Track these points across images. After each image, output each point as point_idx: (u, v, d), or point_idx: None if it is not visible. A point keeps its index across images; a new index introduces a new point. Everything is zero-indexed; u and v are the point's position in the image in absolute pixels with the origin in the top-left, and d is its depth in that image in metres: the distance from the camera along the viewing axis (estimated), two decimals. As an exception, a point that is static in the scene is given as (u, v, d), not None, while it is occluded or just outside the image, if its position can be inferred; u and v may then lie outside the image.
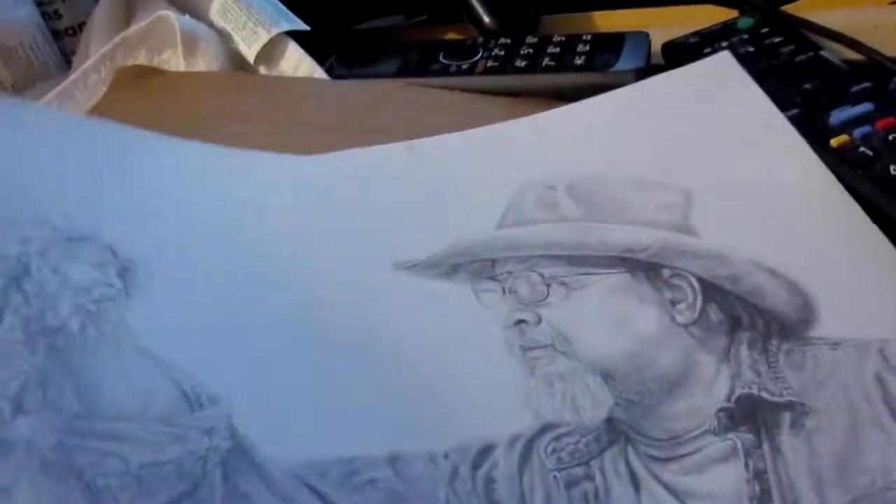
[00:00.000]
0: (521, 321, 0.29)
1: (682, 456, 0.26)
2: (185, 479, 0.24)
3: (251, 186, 0.33)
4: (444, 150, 0.35)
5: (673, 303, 0.28)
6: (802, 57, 0.39)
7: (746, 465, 0.25)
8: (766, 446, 0.25)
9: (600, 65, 0.41)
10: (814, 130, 0.34)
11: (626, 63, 0.41)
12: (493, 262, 0.30)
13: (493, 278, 0.30)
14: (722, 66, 0.36)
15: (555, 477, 0.25)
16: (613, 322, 0.28)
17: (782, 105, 0.34)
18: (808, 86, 0.37)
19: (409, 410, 0.27)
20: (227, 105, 0.42)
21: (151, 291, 0.28)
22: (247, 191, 0.33)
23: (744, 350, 0.27)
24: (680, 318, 0.28)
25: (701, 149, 0.33)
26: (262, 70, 0.44)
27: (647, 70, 0.41)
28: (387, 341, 0.28)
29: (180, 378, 0.26)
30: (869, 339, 0.27)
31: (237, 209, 0.32)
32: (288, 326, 0.28)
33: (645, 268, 0.29)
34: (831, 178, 0.31)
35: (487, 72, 0.42)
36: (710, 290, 0.29)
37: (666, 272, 0.29)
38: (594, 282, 0.29)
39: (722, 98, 0.35)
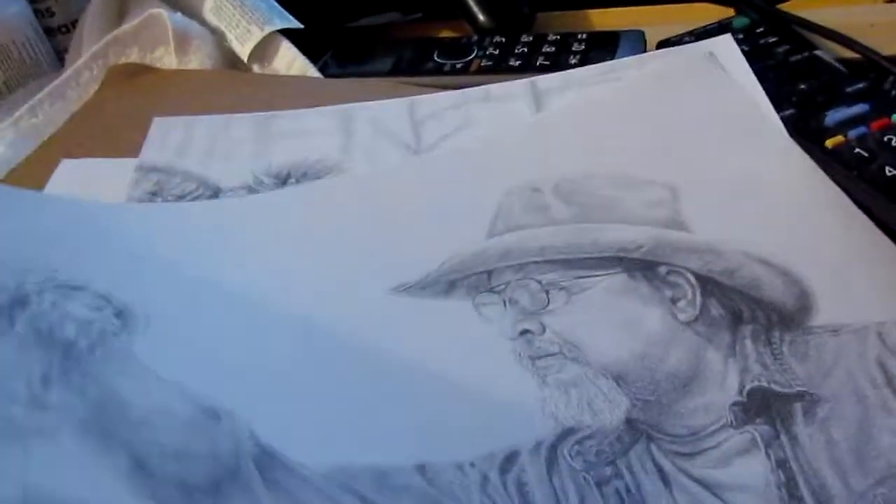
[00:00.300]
0: (525, 331, 0.28)
1: (706, 450, 0.26)
2: (221, 464, 0.24)
3: (230, 232, 0.33)
4: (424, 164, 0.35)
5: (673, 300, 0.28)
6: (798, 57, 0.39)
7: (768, 455, 0.25)
8: (783, 437, 0.25)
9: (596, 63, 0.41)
10: (809, 131, 0.33)
11: (623, 53, 0.41)
12: (489, 273, 0.30)
13: (491, 290, 0.30)
14: (711, 56, 0.36)
15: (584, 477, 0.25)
16: (618, 324, 0.28)
17: (778, 105, 0.34)
18: (803, 86, 0.36)
19: (429, 424, 0.27)
20: (219, 103, 0.41)
21: (152, 331, 0.28)
22: (227, 236, 0.33)
23: (748, 343, 0.27)
24: (682, 316, 0.28)
25: (685, 142, 0.33)
26: (256, 68, 0.44)
27: (643, 69, 0.40)
28: (396, 362, 0.28)
29: (195, 396, 0.26)
30: (866, 324, 0.27)
31: (221, 255, 0.32)
32: (295, 355, 0.28)
33: (641, 266, 0.29)
34: (814, 165, 0.31)
35: (482, 71, 0.42)
36: (708, 284, 0.29)
37: (662, 269, 0.29)
38: (593, 284, 0.29)
39: (709, 90, 0.35)
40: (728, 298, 0.28)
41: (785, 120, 0.34)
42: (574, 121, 0.35)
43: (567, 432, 0.26)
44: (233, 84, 0.44)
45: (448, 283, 0.30)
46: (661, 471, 0.25)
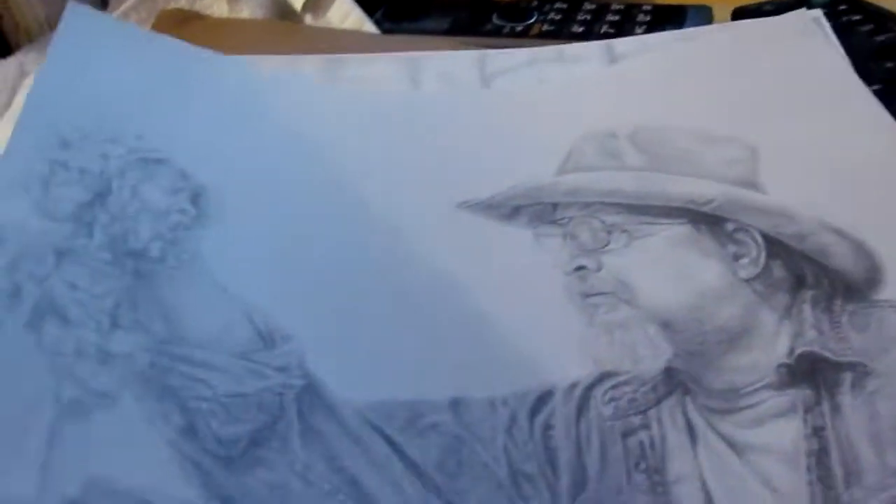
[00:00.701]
0: (581, 267, 0.28)
1: (741, 409, 0.25)
2: (265, 411, 0.25)
3: (323, 115, 0.34)
4: (507, 94, 0.35)
5: (736, 257, 0.28)
6: (882, 37, 0.37)
7: (805, 421, 0.25)
8: (825, 404, 0.25)
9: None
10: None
11: (692, 24, 0.40)
12: (555, 206, 0.30)
13: (553, 222, 0.30)
14: (806, 23, 0.35)
15: (611, 426, 0.25)
16: (675, 273, 0.28)
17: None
18: (889, 64, 0.35)
19: (470, 354, 0.27)
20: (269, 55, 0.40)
21: (223, 221, 0.29)
22: (318, 120, 0.33)
23: (807, 308, 0.27)
24: (742, 273, 0.28)
25: (773, 104, 0.33)
26: (309, 19, 0.43)
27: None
28: (448, 281, 0.28)
29: (254, 315, 0.26)
30: None
31: (307, 138, 0.32)
32: (354, 262, 0.29)
33: (708, 220, 0.29)
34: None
35: (542, 35, 0.41)
36: (775, 246, 0.28)
37: (729, 226, 0.28)
38: (656, 231, 0.29)
39: (801, 55, 0.34)
40: (794, 262, 0.28)
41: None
42: (659, 72, 0.35)
43: (604, 376, 0.26)
44: (287, 36, 0.43)
45: (513, 208, 0.30)
46: (690, 425, 0.25)
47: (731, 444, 0.25)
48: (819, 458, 0.24)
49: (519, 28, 0.42)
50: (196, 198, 0.29)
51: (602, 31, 0.41)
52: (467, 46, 0.39)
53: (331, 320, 0.27)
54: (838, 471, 0.23)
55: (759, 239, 0.28)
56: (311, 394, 0.25)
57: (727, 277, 0.27)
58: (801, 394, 0.25)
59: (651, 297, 0.27)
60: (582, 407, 0.25)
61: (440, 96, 0.35)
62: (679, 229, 0.28)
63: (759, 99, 0.33)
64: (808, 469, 0.24)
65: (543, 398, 0.25)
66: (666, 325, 0.27)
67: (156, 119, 0.31)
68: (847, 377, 0.25)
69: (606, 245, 0.28)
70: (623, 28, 0.41)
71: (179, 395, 0.24)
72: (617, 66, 0.36)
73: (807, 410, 0.25)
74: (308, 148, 0.32)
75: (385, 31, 0.43)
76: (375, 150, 0.32)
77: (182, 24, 0.44)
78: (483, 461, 0.24)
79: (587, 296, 0.28)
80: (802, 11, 0.36)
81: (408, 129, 0.33)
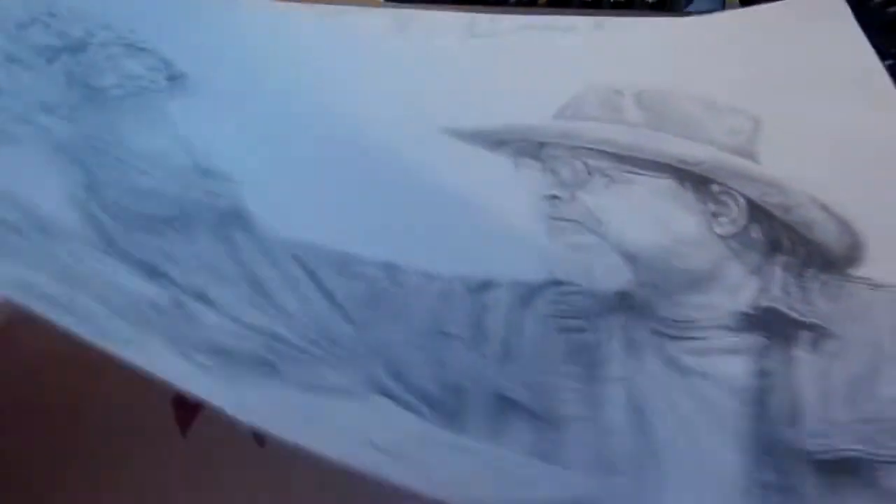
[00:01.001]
0: (555, 196, 0.28)
1: (692, 339, 0.25)
2: (176, 207, 0.24)
3: (315, 40, 0.34)
4: (514, 33, 0.35)
5: (715, 215, 0.28)
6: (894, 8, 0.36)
7: (755, 362, 0.24)
8: (778, 354, 0.25)
9: (673, 5, 0.39)
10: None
11: (700, 5, 0.39)
12: (542, 145, 0.30)
13: (536, 157, 0.29)
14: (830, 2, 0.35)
15: (552, 321, 0.25)
16: (650, 218, 0.28)
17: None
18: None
19: (415, 228, 0.27)
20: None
21: (197, 95, 0.29)
22: (310, 43, 0.34)
23: (778, 271, 0.27)
24: (719, 230, 0.27)
25: (782, 79, 0.32)
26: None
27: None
28: (410, 167, 0.28)
29: (197, 155, 0.26)
30: None
31: (297, 56, 0.33)
32: (317, 143, 0.29)
33: (694, 179, 0.28)
34: None
35: (552, 3, 0.41)
36: (758, 212, 0.28)
37: (715, 187, 0.28)
38: (639, 181, 0.28)
39: (816, 34, 0.34)
40: (774, 229, 0.27)
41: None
42: (669, 40, 0.35)
43: (556, 282, 0.26)
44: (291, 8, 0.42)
45: (498, 141, 0.30)
46: (634, 341, 0.25)
47: (675, 365, 0.24)
48: (762, 395, 0.24)
49: (527, -3, 0.41)
50: (173, 78, 0.29)
51: (613, 1, 0.40)
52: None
53: (274, 169, 0.27)
54: (779, 410, 0.23)
55: (743, 203, 0.28)
56: (235, 216, 0.25)
57: (702, 231, 0.27)
58: (756, 339, 0.25)
59: (620, 231, 0.27)
60: (526, 300, 0.25)
61: (437, 40, 0.35)
62: (662, 182, 0.28)
63: (772, 73, 0.33)
64: (749, 403, 0.23)
65: (485, 285, 0.25)
66: (631, 258, 0.26)
67: (155, 25, 0.31)
68: (806, 335, 0.25)
69: (586, 184, 0.28)
70: (633, 0, 0.40)
71: (99, 168, 0.24)
72: (625, 34, 0.36)
73: (759, 354, 0.24)
74: (296, 62, 0.32)
75: (390, 0, 0.42)
76: (363, 72, 0.33)
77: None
78: (408, 313, 0.24)
79: (556, 219, 0.28)
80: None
81: (398, 59, 0.34)
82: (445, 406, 0.22)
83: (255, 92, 0.31)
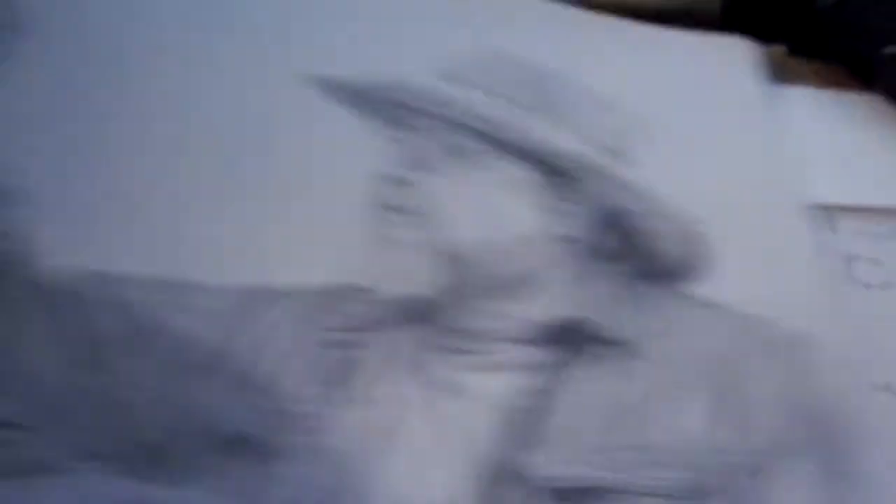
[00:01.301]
0: (397, 179, 0.27)
1: (476, 353, 0.25)
2: None
3: None
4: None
5: (562, 214, 0.27)
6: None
7: (530, 379, 0.24)
8: (563, 371, 0.24)
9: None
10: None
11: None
12: (411, 110, 0.28)
13: (398, 125, 0.28)
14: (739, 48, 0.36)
15: (322, 334, 0.24)
16: (492, 212, 0.27)
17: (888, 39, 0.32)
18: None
19: (210, 228, 0.26)
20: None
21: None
22: None
23: (602, 281, 0.26)
24: (559, 230, 0.27)
25: (674, 90, 0.33)
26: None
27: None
28: (237, 132, 0.28)
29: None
30: (748, 314, 0.26)
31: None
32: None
33: (556, 173, 0.27)
34: (799, 177, 0.31)
35: None
36: (608, 216, 0.27)
37: (574, 184, 0.27)
38: (498, 168, 0.27)
39: (718, 64, 0.35)
40: (619, 236, 0.27)
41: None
42: (590, 28, 0.35)
43: (348, 289, 0.25)
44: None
45: (363, 98, 0.28)
46: (401, 356, 0.24)
47: (435, 385, 0.24)
48: (524, 416, 0.23)
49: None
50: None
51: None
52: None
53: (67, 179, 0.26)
54: (534, 432, 0.23)
55: (597, 204, 0.27)
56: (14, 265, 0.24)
57: (541, 231, 0.27)
58: (544, 354, 0.24)
59: (451, 227, 0.26)
60: (305, 313, 0.25)
61: None
62: (522, 173, 0.27)
63: (667, 83, 0.33)
64: (505, 423, 0.23)
65: (266, 296, 0.25)
66: (452, 258, 0.26)
67: None
68: (604, 352, 0.25)
69: (438, 167, 0.27)
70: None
71: None
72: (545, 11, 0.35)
73: (540, 371, 0.24)
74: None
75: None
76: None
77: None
78: (151, 351, 0.23)
79: (387, 208, 0.26)
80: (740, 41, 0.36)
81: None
82: (161, 460, 0.21)
83: (91, 36, 0.29)
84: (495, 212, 0.27)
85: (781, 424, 0.24)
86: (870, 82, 0.35)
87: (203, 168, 0.27)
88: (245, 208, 0.26)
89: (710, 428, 0.24)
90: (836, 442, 0.24)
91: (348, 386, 0.23)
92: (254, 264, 0.25)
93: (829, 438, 0.24)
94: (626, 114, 0.31)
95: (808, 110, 0.34)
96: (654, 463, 0.23)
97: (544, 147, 0.28)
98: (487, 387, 0.24)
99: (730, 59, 0.35)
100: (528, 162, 0.27)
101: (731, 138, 0.32)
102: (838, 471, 0.23)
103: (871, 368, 0.26)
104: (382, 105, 0.28)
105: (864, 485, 0.23)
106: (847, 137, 0.33)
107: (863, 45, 0.35)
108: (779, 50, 0.38)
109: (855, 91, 0.35)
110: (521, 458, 0.23)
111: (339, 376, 0.24)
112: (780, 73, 0.35)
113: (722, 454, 0.23)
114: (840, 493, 0.23)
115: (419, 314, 0.25)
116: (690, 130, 0.31)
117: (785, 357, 0.25)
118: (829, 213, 0.30)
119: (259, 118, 0.28)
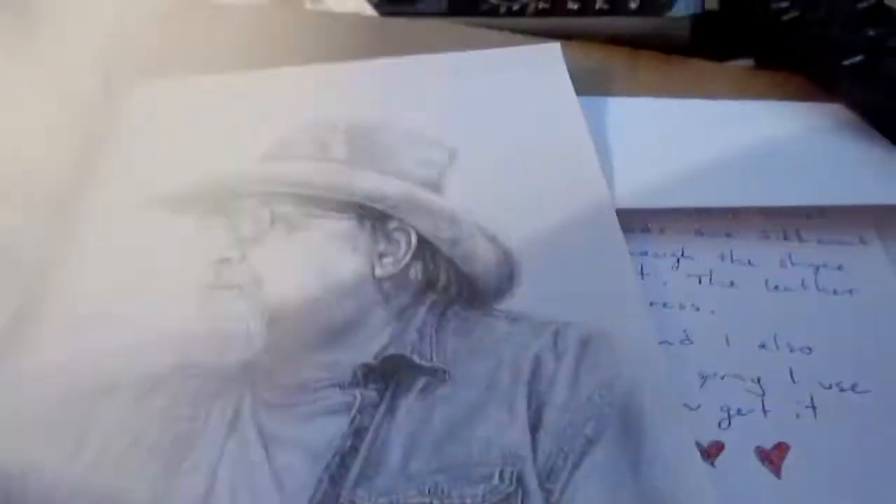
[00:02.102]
0: (225, 259, 0.29)
1: (298, 405, 0.26)
2: None
3: None
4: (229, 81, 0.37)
5: (381, 255, 0.29)
6: (864, 4, 0.38)
7: (352, 421, 0.25)
8: (384, 406, 0.25)
9: (655, 9, 0.40)
10: (881, 76, 0.33)
11: (681, 8, 0.40)
12: (234, 195, 0.31)
13: (223, 213, 0.30)
14: (546, 55, 0.37)
15: (161, 413, 0.26)
16: (316, 268, 0.29)
17: (846, 52, 0.34)
18: (871, 33, 0.36)
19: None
20: (271, 38, 0.41)
21: None
22: None
23: (422, 311, 0.28)
24: (379, 272, 0.28)
25: (486, 115, 0.34)
26: (309, 4, 0.44)
27: (703, 16, 0.40)
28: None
29: None
30: (551, 320, 0.27)
31: None
32: None
33: (374, 217, 0.29)
34: (602, 182, 0.31)
35: (538, 13, 0.42)
36: (425, 249, 0.29)
37: (392, 224, 0.29)
38: (320, 225, 0.29)
39: (528, 78, 0.36)
40: (435, 266, 0.29)
41: (854, 67, 0.33)
42: (392, 74, 0.36)
43: (180, 367, 0.26)
44: (285, 19, 0.43)
45: (187, 201, 0.31)
46: (234, 419, 0.25)
47: (268, 438, 0.25)
48: (345, 457, 0.24)
49: (515, 7, 0.42)
50: None
51: (598, 6, 0.41)
52: (463, 26, 0.40)
53: None
54: (355, 470, 0.24)
55: (413, 240, 0.29)
56: None
57: (362, 275, 0.28)
58: (364, 394, 0.25)
59: (275, 290, 0.28)
60: (144, 397, 0.26)
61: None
62: (342, 224, 0.29)
63: (478, 109, 0.34)
64: (327, 466, 0.24)
65: (107, 389, 0.26)
66: (273, 320, 0.27)
67: None
68: (422, 382, 0.26)
69: (263, 237, 0.29)
70: (617, 6, 0.42)
71: None
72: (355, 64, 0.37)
73: (360, 411, 0.25)
74: None
75: (385, 13, 0.43)
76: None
77: (187, 10, 0.45)
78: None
79: (215, 288, 0.28)
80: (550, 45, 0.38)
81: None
82: None
83: None
84: (317, 266, 0.29)
85: (581, 420, 0.25)
86: (832, 92, 0.36)
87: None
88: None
89: (522, 435, 0.24)
90: (633, 429, 0.24)
91: (183, 458, 0.25)
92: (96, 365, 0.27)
93: (626, 426, 0.24)
94: (442, 145, 0.32)
95: (768, 121, 0.35)
96: (472, 479, 0.23)
97: (365, 193, 0.30)
98: (316, 432, 0.25)
99: (539, 66, 0.36)
100: (347, 213, 0.29)
101: (537, 146, 0.33)
102: (633, 457, 0.24)
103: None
104: (206, 202, 0.31)
105: (658, 463, 0.24)
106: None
107: (825, 57, 0.36)
108: (746, 63, 0.40)
109: (819, 101, 0.37)
110: (345, 496, 0.23)
111: (176, 450, 0.25)
112: (746, 87, 0.37)
113: (536, 456, 0.24)
114: (633, 474, 0.23)
115: (246, 379, 0.26)
116: (500, 147, 0.33)
117: (575, 355, 0.26)
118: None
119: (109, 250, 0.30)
